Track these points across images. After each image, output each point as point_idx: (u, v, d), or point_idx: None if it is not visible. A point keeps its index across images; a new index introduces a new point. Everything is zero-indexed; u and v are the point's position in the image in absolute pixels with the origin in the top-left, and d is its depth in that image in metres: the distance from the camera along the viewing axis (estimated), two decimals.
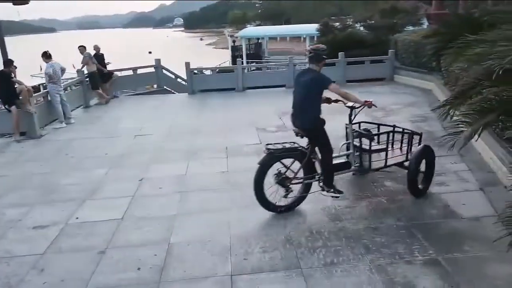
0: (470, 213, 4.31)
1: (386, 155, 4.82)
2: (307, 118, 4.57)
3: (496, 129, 5.38)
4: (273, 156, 4.40)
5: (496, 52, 2.98)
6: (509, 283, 3.20)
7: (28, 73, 26.40)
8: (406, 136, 5.01)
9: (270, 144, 4.48)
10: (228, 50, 30.55)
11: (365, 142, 4.83)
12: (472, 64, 3.56)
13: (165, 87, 14.93)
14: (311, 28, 24.05)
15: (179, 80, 15.21)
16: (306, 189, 4.60)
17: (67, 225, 4.62)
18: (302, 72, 4.99)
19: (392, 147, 4.98)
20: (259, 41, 28.55)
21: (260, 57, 26.38)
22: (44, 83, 14.31)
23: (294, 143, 4.54)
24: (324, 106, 4.57)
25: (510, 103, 3.23)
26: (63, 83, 10.22)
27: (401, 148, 5.00)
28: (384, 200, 4.76)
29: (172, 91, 15.02)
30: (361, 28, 18.79)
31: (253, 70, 19.18)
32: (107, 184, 5.81)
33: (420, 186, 4.76)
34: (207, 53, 71.08)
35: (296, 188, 4.60)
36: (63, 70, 9.85)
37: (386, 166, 4.86)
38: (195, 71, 14.08)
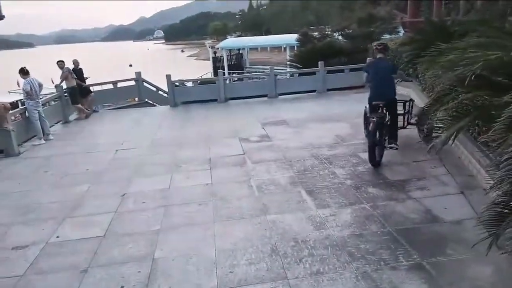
0: (452, 217, 4.39)
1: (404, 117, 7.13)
2: (391, 91, 6.34)
3: (473, 133, 5.53)
4: (381, 120, 5.97)
5: (467, 59, 3.08)
6: (490, 284, 3.26)
7: (6, 89, 25.84)
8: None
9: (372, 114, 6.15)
10: (210, 61, 30.65)
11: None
12: (445, 70, 3.67)
13: (146, 100, 14.84)
14: (291, 38, 24.41)
15: (160, 92, 15.14)
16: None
17: (47, 244, 4.49)
18: (377, 60, 6.59)
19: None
20: (240, 51, 28.75)
21: (241, 68, 26.55)
22: (22, 99, 14.02)
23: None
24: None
25: (484, 108, 3.34)
26: (41, 98, 10.04)
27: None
28: (367, 206, 4.80)
29: (154, 103, 14.94)
30: (339, 37, 19.15)
31: (235, 80, 19.28)
32: (89, 201, 5.69)
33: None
34: (189, 65, 71.06)
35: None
36: (41, 86, 9.68)
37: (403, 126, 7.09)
38: (177, 83, 14.05)
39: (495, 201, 2.92)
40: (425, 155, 3.59)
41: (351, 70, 13.71)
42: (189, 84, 16.30)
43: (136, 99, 15.44)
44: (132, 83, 14.68)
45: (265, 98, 13.28)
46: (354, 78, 13.70)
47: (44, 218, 5.21)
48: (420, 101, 9.47)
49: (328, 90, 13.47)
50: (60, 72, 11.53)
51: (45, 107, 10.28)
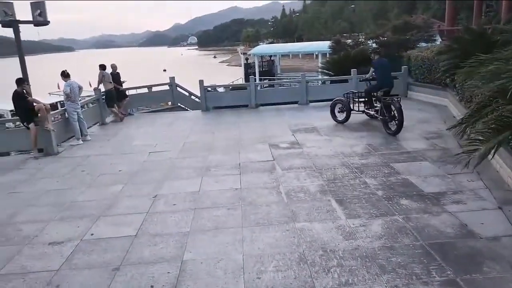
0: (489, 233, 4.21)
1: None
2: (393, 80, 9.66)
3: None
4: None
5: (510, 71, 2.97)
6: None
7: (47, 90, 27.12)
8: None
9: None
10: (241, 67, 30.94)
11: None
12: (485, 82, 3.55)
13: (179, 104, 15.16)
14: (323, 45, 24.27)
15: (193, 97, 15.44)
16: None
17: (82, 241, 4.66)
18: (379, 59, 9.63)
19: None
20: (272, 58, 28.85)
21: (272, 74, 26.63)
22: (62, 101, 14.68)
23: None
24: None
25: None
26: (80, 101, 10.47)
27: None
28: (400, 218, 4.68)
29: (186, 108, 15.24)
30: (373, 45, 18.85)
31: (266, 87, 19.36)
32: (122, 201, 5.87)
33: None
34: (220, 71, 72.04)
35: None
36: (80, 89, 10.10)
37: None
38: (209, 89, 14.27)
39: None
40: (462, 168, 3.47)
41: None
42: (221, 89, 16.53)
43: (169, 103, 15.82)
44: (166, 87, 15.06)
45: (296, 105, 13.26)
46: None
47: (80, 215, 5.41)
48: (458, 111, 9.18)
49: None
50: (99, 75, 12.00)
51: (83, 109, 10.73)
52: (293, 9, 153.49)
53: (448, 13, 15.05)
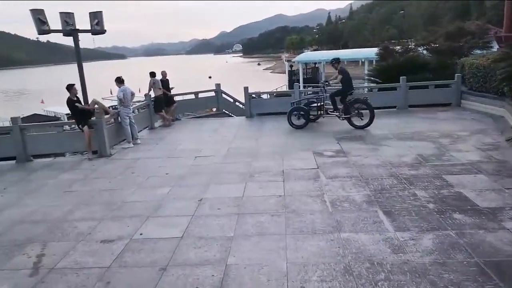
0: None
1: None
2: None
3: None
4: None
5: None
6: None
7: (100, 95, 28.68)
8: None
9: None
10: (285, 74, 30.99)
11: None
12: None
13: (224, 110, 15.44)
14: (370, 52, 23.77)
15: (237, 103, 15.66)
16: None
17: (131, 240, 4.85)
18: (343, 67, 10.99)
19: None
20: (316, 65, 28.64)
21: (317, 82, 26.38)
22: (115, 105, 15.43)
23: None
24: None
25: None
26: (132, 106, 10.96)
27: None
28: (452, 233, 4.45)
29: (231, 114, 15.48)
30: (424, 52, 18.18)
31: (310, 94, 19.21)
32: (169, 203, 6.05)
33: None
34: (264, 78, 72.59)
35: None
36: (133, 95, 10.59)
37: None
38: (253, 95, 14.41)
39: None
40: None
41: (437, 86, 12.94)
42: (265, 96, 16.63)
43: (214, 109, 16.16)
44: (212, 94, 15.40)
45: None
46: (440, 95, 12.94)
47: (130, 215, 5.64)
48: None
49: (410, 106, 12.84)
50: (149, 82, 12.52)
51: (135, 114, 11.21)
52: (339, 16, 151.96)
53: (507, 18, 14.15)
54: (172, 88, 13.64)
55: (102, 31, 11.52)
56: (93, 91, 10.78)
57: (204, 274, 3.97)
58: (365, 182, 6.28)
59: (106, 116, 10.10)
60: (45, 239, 5.06)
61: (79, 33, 11.08)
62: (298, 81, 24.32)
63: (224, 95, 15.44)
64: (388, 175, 6.54)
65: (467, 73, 12.48)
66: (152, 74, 12.53)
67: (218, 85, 15.22)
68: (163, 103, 12.67)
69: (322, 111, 11.10)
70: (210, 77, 70.29)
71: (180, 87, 17.72)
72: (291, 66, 29.31)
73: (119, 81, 10.26)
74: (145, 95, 13.07)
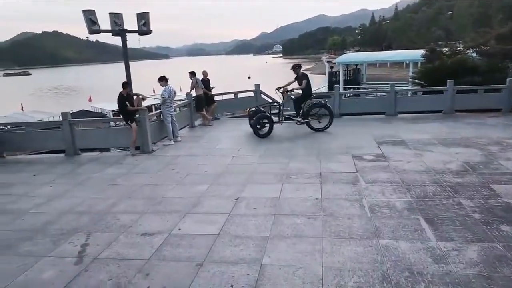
0: None
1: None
2: None
3: None
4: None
5: None
6: None
7: (143, 94, 29.61)
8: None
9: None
10: (325, 76, 30.59)
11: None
12: None
13: None
14: (415, 54, 22.98)
15: (275, 104, 15.62)
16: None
17: (170, 235, 4.99)
18: (305, 73, 11.11)
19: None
20: (358, 67, 28.07)
21: (358, 83, 25.89)
22: (157, 104, 15.88)
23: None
24: None
25: None
26: (174, 105, 11.26)
27: None
28: (499, 246, 4.21)
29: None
30: (473, 55, 17.33)
31: (350, 96, 18.88)
32: (206, 200, 6.15)
33: None
34: None
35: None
36: (175, 93, 10.88)
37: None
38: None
39: None
40: None
41: (486, 91, 12.30)
42: None
43: (252, 109, 16.21)
44: (251, 94, 15.48)
45: (382, 116, 12.72)
46: (489, 100, 12.29)
47: (169, 211, 5.80)
48: None
49: (457, 111, 12.30)
50: (190, 81, 12.80)
51: (176, 112, 11.51)
52: (383, 16, 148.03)
53: None
54: (212, 87, 13.86)
55: (149, 32, 11.92)
56: (136, 90, 11.14)
57: (239, 273, 4.01)
58: (406, 188, 6.08)
59: (151, 114, 10.45)
60: (90, 230, 5.32)
61: (126, 33, 11.51)
62: (338, 82, 23.93)
63: (263, 95, 15.48)
64: (432, 182, 6.30)
65: None
66: (193, 74, 12.80)
67: (257, 85, 15.27)
68: (204, 102, 12.91)
69: (281, 118, 11.12)
70: (249, 77, 70.79)
71: (219, 87, 18.00)
72: (331, 67, 28.88)
73: (163, 80, 10.56)
74: (186, 94, 13.37)
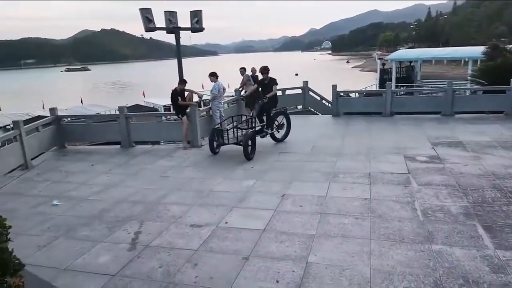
0: None
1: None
2: None
3: None
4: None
5: None
6: None
7: (197, 91, 30.41)
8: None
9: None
10: (376, 73, 29.65)
11: None
12: None
13: (310, 108, 15.34)
14: (475, 50, 21.66)
15: (324, 101, 15.43)
16: None
17: (217, 227, 5.10)
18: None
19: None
20: (412, 64, 26.90)
21: (411, 81, 24.81)
22: (206, 99, 16.22)
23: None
24: None
25: None
26: (223, 101, 11.46)
27: None
28: None
29: (316, 112, 15.32)
30: None
31: (402, 94, 18.17)
32: (253, 195, 6.21)
33: None
34: (352, 76, 70.38)
35: None
36: (224, 90, 11.07)
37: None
38: (341, 94, 14.07)
39: None
40: None
41: None
42: (353, 95, 16.13)
43: (299, 106, 16.11)
44: (299, 91, 15.39)
45: (438, 116, 12.11)
46: None
47: (216, 204, 5.93)
48: None
49: None
50: (241, 77, 12.95)
51: (224, 108, 11.70)
52: (440, 11, 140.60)
53: None
54: None
55: (201, 29, 12.19)
56: (186, 86, 11.47)
57: (285, 269, 4.01)
58: (462, 193, 5.76)
59: (201, 109, 10.72)
60: (142, 219, 5.57)
61: (180, 31, 11.86)
62: (390, 80, 23.09)
63: (311, 93, 15.33)
64: (491, 187, 5.92)
65: None
66: (244, 70, 12.93)
67: (305, 82, 15.16)
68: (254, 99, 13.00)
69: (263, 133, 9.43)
70: (296, 74, 70.37)
71: None
72: (383, 64, 27.90)
73: (214, 75, 10.78)
74: (235, 90, 13.56)
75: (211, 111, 10.89)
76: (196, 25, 11.80)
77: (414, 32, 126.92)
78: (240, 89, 13.12)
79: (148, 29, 11.43)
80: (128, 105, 24.10)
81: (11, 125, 11.30)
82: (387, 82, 15.97)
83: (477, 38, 69.39)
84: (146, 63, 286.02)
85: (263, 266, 4.09)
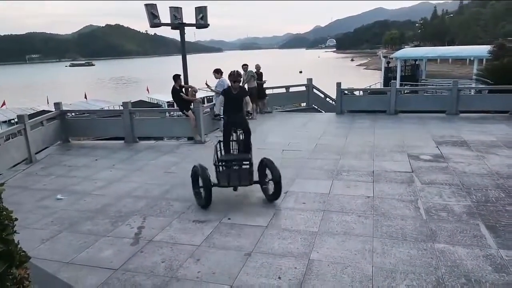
0: None
1: None
2: None
3: None
4: None
5: None
6: None
7: (196, 86, 30.43)
8: None
9: None
10: (381, 71, 29.56)
11: None
12: None
13: (313, 105, 15.31)
14: (481, 49, 21.54)
15: (327, 99, 15.41)
16: None
17: (220, 223, 5.12)
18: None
19: None
20: (417, 62, 26.79)
21: (416, 80, 24.72)
22: (210, 96, 16.21)
23: None
24: None
25: None
26: None
27: None
28: None
29: (320, 109, 15.30)
30: None
31: (407, 93, 18.12)
32: (256, 192, 6.20)
33: None
34: (357, 74, 70.13)
35: None
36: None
37: None
38: (346, 91, 14.03)
39: None
40: None
41: None
42: (357, 93, 16.09)
43: (303, 104, 16.10)
44: (303, 88, 15.36)
45: (443, 115, 12.05)
46: None
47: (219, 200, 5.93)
48: None
49: None
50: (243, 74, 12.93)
51: None
52: (446, 10, 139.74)
53: None
54: (264, 81, 13.92)
55: (206, 25, 12.15)
56: (190, 82, 11.48)
57: (287, 265, 4.02)
58: (466, 192, 5.74)
59: (205, 105, 10.75)
60: (145, 213, 5.59)
61: (185, 27, 11.84)
62: (395, 78, 23.00)
63: (315, 90, 15.30)
64: (494, 187, 5.89)
65: None
66: (246, 67, 12.91)
67: (310, 80, 15.13)
68: (255, 95, 13.00)
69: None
70: (300, 72, 70.15)
71: (270, 80, 18.04)
72: (388, 62, 27.79)
73: (218, 72, 10.76)
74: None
75: (215, 108, 10.89)
76: (201, 21, 11.78)
77: (419, 31, 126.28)
78: (244, 85, 13.10)
79: (153, 25, 11.41)
80: (131, 101, 24.23)
81: (16, 120, 11.36)
82: (392, 80, 15.92)
83: (484, 37, 68.95)
84: (151, 59, 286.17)
85: (266, 263, 4.10)
